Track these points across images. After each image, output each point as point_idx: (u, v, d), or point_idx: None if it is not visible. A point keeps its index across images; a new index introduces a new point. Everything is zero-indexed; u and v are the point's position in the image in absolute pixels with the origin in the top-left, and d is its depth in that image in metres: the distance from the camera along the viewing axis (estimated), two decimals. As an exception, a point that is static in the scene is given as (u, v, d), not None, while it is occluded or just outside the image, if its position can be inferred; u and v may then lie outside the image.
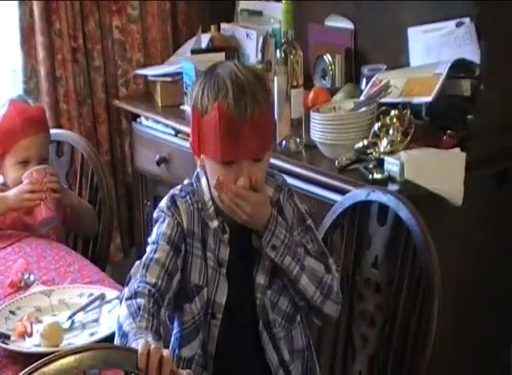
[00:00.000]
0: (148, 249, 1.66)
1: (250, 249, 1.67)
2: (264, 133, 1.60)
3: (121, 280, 1.91)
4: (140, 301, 1.54)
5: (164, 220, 1.66)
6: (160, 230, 1.66)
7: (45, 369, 1.28)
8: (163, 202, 1.70)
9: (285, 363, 1.70)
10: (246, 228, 1.65)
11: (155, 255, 1.63)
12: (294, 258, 1.63)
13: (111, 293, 1.83)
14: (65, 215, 2.39)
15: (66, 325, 1.73)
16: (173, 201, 1.68)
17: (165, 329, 1.60)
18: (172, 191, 1.71)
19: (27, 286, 1.97)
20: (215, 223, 1.65)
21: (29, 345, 1.68)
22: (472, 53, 2.32)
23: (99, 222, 2.48)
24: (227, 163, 1.59)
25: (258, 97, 1.57)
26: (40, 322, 1.78)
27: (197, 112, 1.59)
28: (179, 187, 1.73)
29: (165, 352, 1.34)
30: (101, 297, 1.82)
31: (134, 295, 1.55)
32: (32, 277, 2.00)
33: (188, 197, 1.68)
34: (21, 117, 2.31)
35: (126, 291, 1.58)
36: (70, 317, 1.75)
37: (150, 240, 1.69)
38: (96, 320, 1.73)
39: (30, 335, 1.72)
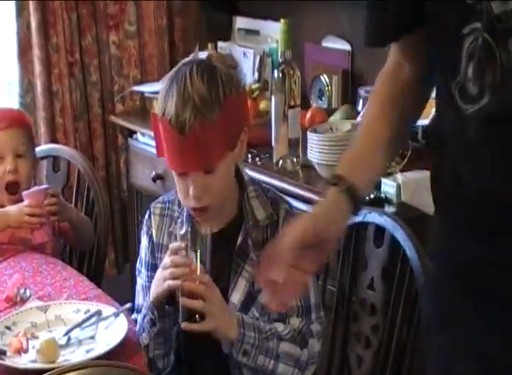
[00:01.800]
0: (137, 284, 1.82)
1: (227, 254, 1.67)
2: (210, 146, 1.56)
3: (115, 296, 1.92)
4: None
5: (142, 236, 1.79)
6: (140, 252, 1.80)
7: (44, 385, 1.28)
8: (146, 213, 1.78)
9: None
10: (222, 234, 1.66)
11: (139, 282, 1.79)
12: (267, 354, 1.62)
13: (107, 310, 1.83)
14: (63, 229, 2.39)
15: (63, 341, 1.72)
16: (149, 213, 1.76)
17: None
18: (155, 200, 1.77)
19: (23, 301, 1.96)
20: (182, 231, 1.66)
21: (25, 361, 1.67)
22: (468, 78, 2.34)
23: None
24: (180, 174, 1.61)
25: (202, 109, 1.53)
26: (36, 338, 1.77)
27: (157, 115, 1.60)
28: (166, 194, 1.78)
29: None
30: (98, 313, 1.81)
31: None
32: (28, 292, 1.99)
33: (166, 205, 1.74)
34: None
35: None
36: (66, 333, 1.74)
37: (139, 261, 1.82)
38: (92, 337, 1.72)
39: (26, 351, 1.71)
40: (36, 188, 2.29)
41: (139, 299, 1.79)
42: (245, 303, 1.67)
